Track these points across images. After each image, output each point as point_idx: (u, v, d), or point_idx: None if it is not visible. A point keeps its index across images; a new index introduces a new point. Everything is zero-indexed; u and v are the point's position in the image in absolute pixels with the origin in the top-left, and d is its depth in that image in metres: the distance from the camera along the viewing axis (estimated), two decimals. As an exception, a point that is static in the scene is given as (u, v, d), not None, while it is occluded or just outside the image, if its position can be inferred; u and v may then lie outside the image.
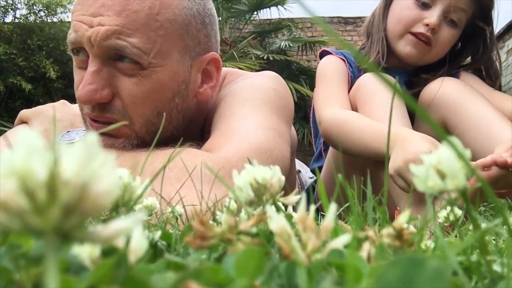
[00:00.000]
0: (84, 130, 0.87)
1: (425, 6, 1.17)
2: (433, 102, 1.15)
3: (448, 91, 1.11)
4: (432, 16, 1.15)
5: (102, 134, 0.78)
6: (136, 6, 0.75)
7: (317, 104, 1.23)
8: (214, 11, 0.89)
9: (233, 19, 6.64)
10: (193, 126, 0.92)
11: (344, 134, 1.07)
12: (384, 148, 0.97)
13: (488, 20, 1.23)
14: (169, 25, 0.77)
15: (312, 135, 1.52)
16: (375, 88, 1.11)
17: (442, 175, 0.25)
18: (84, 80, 0.76)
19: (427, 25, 1.16)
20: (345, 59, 1.30)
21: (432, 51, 1.20)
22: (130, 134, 0.80)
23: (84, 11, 0.75)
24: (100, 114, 0.79)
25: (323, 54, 1.37)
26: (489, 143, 1.00)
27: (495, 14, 1.24)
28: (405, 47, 1.21)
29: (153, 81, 0.78)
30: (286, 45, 6.32)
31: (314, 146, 1.52)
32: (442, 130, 0.20)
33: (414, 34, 1.19)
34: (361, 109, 1.15)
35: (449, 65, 1.24)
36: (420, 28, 1.17)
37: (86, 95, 0.76)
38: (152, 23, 0.75)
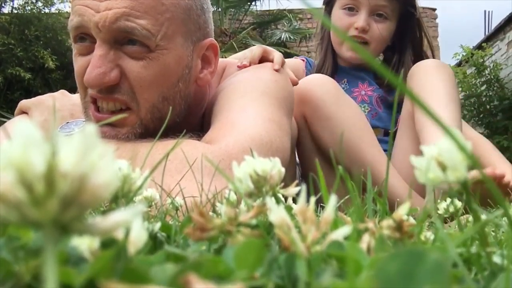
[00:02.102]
0: (84, 121, 0.86)
1: (353, 11, 1.37)
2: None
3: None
4: (359, 20, 1.34)
5: (106, 124, 0.78)
6: None
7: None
8: None
9: (232, 10, 6.59)
10: (193, 117, 0.91)
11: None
12: None
13: (413, 5, 1.40)
14: (174, 8, 0.79)
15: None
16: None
17: (443, 167, 0.25)
18: (92, 64, 0.76)
19: (357, 28, 1.35)
20: (304, 60, 1.52)
21: (370, 47, 1.38)
22: (135, 121, 0.80)
23: None
24: (107, 95, 0.78)
25: None
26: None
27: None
28: (346, 52, 1.39)
29: (160, 64, 0.78)
30: (286, 37, 6.27)
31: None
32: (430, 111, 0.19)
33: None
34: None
35: (398, 54, 1.42)
36: (353, 32, 1.36)
37: (95, 79, 0.75)
38: (159, 6, 0.77)
